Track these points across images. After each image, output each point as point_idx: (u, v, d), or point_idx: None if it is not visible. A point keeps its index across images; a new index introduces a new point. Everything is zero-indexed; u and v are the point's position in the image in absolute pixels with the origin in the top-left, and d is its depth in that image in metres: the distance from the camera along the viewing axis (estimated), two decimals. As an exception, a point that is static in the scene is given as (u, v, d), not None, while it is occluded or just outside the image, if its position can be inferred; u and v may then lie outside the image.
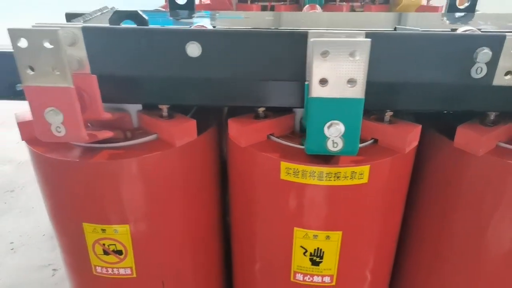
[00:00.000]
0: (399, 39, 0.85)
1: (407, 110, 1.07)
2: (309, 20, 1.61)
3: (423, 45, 0.83)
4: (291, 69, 0.86)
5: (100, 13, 1.40)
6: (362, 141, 1.07)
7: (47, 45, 0.81)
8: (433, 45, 0.83)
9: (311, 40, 0.82)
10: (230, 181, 1.22)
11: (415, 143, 1.05)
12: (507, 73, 0.83)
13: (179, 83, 0.97)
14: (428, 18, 1.65)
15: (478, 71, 0.82)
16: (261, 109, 1.08)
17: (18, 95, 1.05)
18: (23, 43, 0.82)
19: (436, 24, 1.45)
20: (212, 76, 0.89)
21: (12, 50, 0.94)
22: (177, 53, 0.87)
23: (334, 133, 0.83)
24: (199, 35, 0.85)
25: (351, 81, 0.78)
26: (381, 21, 1.56)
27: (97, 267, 1.19)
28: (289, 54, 0.85)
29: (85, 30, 0.88)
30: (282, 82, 0.94)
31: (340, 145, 0.86)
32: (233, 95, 0.98)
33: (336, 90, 0.79)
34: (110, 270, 1.18)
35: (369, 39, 0.76)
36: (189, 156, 1.13)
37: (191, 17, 1.47)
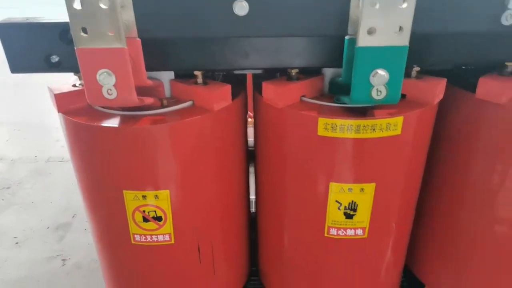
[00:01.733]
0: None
1: (440, 65, 1.13)
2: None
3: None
4: (335, 23, 0.91)
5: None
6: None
7: (102, 5, 0.83)
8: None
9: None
10: (261, 143, 1.26)
11: (441, 96, 1.12)
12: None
13: (217, 47, 1.00)
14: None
15: (509, 18, 0.89)
16: (294, 71, 1.13)
17: (54, 67, 1.07)
18: (77, 4, 0.83)
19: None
20: (260, 35, 0.93)
21: (47, 21, 0.97)
22: (224, 11, 0.90)
23: (379, 81, 0.88)
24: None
25: (399, 29, 0.84)
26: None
27: (135, 236, 1.21)
28: (333, 8, 0.90)
29: (133, -8, 0.90)
30: (314, 42, 0.99)
31: (383, 93, 0.92)
32: (273, 57, 1.03)
33: (383, 38, 0.85)
34: (149, 238, 1.21)
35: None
36: (224, 121, 1.17)
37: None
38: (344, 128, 1.05)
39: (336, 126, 1.05)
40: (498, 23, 0.91)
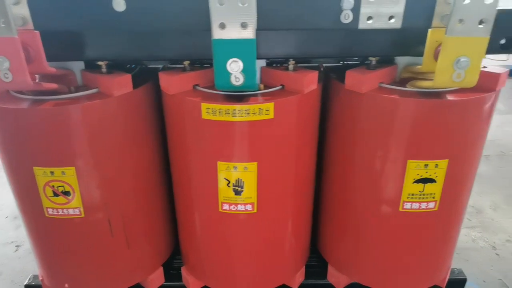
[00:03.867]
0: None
1: (301, 58, 1.28)
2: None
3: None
4: (200, 20, 1.06)
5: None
6: (271, 87, 1.29)
7: (-7, 1, 0.98)
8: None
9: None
10: (166, 127, 1.41)
11: (314, 86, 1.27)
12: (368, 18, 1.06)
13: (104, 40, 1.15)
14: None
15: (346, 17, 1.05)
16: (186, 62, 1.28)
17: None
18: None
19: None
20: (137, 29, 1.08)
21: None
22: (103, 7, 1.05)
23: (235, 69, 1.04)
24: (122, -8, 1.04)
25: (244, 25, 0.99)
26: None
27: (48, 209, 1.35)
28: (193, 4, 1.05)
29: (26, -10, 1.05)
30: (201, 35, 1.14)
31: (241, 79, 1.07)
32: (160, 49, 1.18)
33: (232, 32, 1.00)
34: (60, 211, 1.35)
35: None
36: (126, 107, 1.31)
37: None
38: (223, 112, 1.20)
39: (216, 110, 1.20)
40: (339, 21, 1.06)
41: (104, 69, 1.29)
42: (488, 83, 1.23)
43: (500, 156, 3.36)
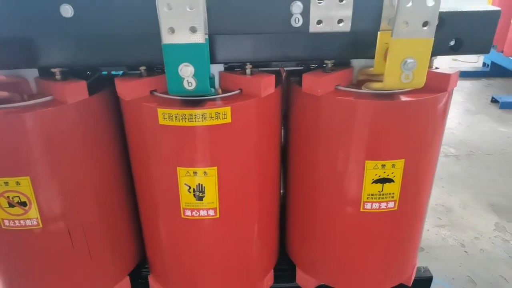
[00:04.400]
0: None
1: (257, 62, 1.29)
2: None
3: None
4: (147, 23, 1.05)
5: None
6: (229, 91, 1.30)
7: None
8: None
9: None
10: (126, 134, 1.39)
11: (271, 90, 1.28)
12: (318, 22, 1.07)
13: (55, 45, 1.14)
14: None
15: (296, 20, 1.06)
16: (142, 68, 1.27)
17: None
18: None
19: None
20: (86, 35, 1.07)
21: None
22: (51, 13, 1.04)
23: (186, 73, 1.03)
24: (70, -2, 1.03)
25: (193, 29, 0.99)
26: None
27: (4, 220, 1.31)
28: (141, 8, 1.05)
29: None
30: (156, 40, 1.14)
31: (194, 84, 1.07)
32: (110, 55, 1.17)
33: (181, 37, 1.00)
34: (17, 222, 1.31)
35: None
36: (83, 114, 1.29)
37: None
38: (179, 117, 1.19)
39: (172, 115, 1.19)
40: (290, 25, 1.07)
41: (58, 76, 1.27)
42: (440, 84, 1.26)
43: (470, 155, 3.44)
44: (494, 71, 5.32)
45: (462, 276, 2.17)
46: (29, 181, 1.25)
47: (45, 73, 1.31)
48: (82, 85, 1.26)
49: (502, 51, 4.85)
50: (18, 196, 1.27)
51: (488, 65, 5.40)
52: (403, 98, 1.22)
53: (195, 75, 1.05)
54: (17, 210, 1.29)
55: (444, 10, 1.14)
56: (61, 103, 1.24)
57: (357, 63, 1.32)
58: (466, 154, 3.46)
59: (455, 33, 1.19)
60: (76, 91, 1.25)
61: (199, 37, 1.00)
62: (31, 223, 1.32)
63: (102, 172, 1.42)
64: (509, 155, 3.44)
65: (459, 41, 1.20)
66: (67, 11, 1.03)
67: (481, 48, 1.23)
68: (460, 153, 3.47)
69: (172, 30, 0.99)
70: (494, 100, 4.54)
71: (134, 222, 1.65)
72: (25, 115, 1.17)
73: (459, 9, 1.18)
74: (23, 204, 1.29)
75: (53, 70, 1.25)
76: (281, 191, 1.70)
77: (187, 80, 1.06)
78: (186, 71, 1.03)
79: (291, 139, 1.50)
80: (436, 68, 1.31)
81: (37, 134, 1.22)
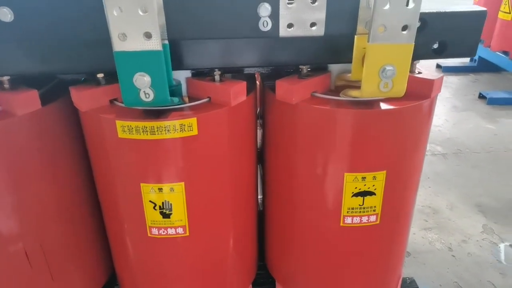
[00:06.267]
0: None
1: (226, 68, 1.19)
2: None
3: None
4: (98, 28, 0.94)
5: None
6: (197, 99, 1.19)
7: None
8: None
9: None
10: (87, 147, 1.28)
11: (242, 98, 1.18)
12: (289, 26, 0.97)
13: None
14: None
15: (265, 24, 0.96)
16: (100, 75, 1.16)
17: None
18: None
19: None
20: (30, 39, 0.95)
21: None
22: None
23: (142, 84, 0.93)
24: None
25: (147, 35, 0.88)
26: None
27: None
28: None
29: None
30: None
31: (151, 95, 0.96)
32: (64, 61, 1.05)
33: (134, 43, 0.89)
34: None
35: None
36: (36, 126, 1.18)
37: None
38: (140, 130, 1.08)
39: (132, 128, 1.08)
40: (258, 30, 0.97)
41: (7, 85, 1.15)
42: (423, 90, 1.17)
43: (457, 154, 3.38)
44: (481, 66, 5.27)
45: (449, 282, 2.10)
46: (-20, 199, 1.14)
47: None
48: (33, 94, 1.14)
49: (489, 46, 4.80)
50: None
51: (475, 60, 5.35)
52: (384, 106, 1.13)
53: (152, 86, 0.95)
54: (-33, 231, 1.18)
55: (426, 11, 1.05)
56: (11, 115, 1.12)
57: (335, 67, 1.23)
58: (453, 153, 3.40)
59: (439, 36, 1.10)
60: (27, 101, 1.13)
61: (155, 44, 0.90)
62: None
63: (62, 188, 1.31)
64: (496, 153, 3.39)
65: (443, 44, 1.11)
66: (5, 14, 0.91)
67: (467, 51, 1.15)
68: (447, 152, 3.41)
69: (124, 36, 0.88)
70: (481, 96, 4.50)
71: (102, 237, 1.54)
72: (-33, 130, 1.06)
73: (443, 10, 1.09)
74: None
75: (0, 78, 1.14)
76: (260, 197, 1.60)
77: (144, 91, 0.95)
78: (142, 81, 0.93)
79: (267, 146, 1.40)
80: (419, 72, 1.22)
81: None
